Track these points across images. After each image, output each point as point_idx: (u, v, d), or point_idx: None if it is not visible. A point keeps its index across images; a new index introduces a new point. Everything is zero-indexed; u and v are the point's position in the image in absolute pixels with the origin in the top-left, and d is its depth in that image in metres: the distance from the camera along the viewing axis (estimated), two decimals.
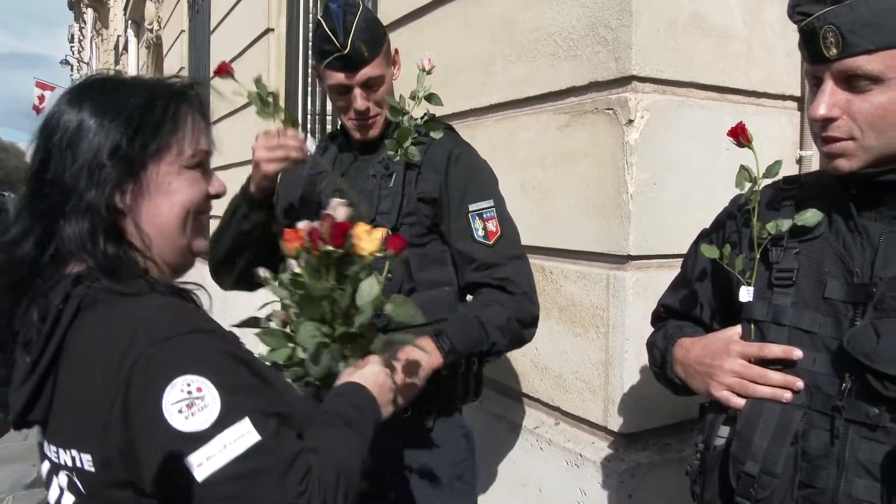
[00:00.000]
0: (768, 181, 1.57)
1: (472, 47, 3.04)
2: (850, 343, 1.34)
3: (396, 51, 2.15)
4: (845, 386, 1.36)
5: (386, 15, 3.61)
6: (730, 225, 1.63)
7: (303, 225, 1.45)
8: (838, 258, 1.43)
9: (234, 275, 2.16)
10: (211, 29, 8.04)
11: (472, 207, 2.07)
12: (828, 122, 1.36)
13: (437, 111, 2.21)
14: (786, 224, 1.47)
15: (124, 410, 1.06)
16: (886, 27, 1.30)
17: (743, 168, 1.51)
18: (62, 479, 1.18)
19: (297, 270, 1.46)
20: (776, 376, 1.42)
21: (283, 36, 5.83)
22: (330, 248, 1.40)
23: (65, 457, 1.15)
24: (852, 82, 1.34)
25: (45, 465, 1.23)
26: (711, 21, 2.46)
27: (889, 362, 1.29)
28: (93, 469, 1.11)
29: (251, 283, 1.89)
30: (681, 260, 1.80)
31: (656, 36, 2.34)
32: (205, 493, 1.04)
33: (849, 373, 1.35)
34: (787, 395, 1.40)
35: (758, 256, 1.49)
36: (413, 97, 2.08)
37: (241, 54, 6.70)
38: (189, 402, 1.05)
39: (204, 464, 1.04)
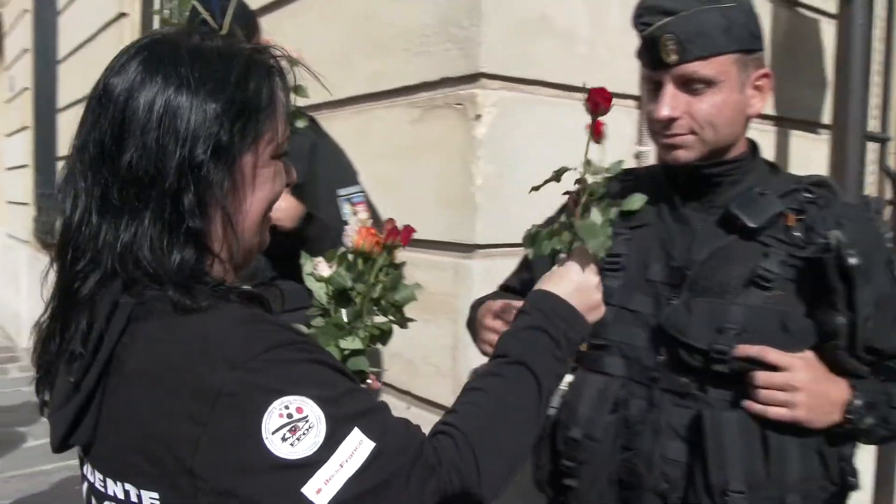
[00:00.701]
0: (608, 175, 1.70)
1: (330, 41, 3.09)
2: (666, 320, 1.50)
3: (267, 42, 2.19)
4: (661, 359, 1.51)
5: None
6: (567, 213, 1.77)
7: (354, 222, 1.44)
8: (662, 244, 1.59)
9: None
10: (58, 10, 7.74)
11: (341, 192, 2.17)
12: (671, 121, 1.51)
13: (301, 102, 2.25)
14: (613, 212, 1.61)
15: (216, 452, 0.91)
16: (714, 38, 1.47)
17: (586, 162, 1.64)
18: None
19: (325, 267, 1.43)
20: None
21: (137, 22, 5.69)
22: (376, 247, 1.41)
23: (115, 489, 1.00)
24: (690, 85, 1.50)
25: (86, 488, 1.09)
26: (558, 23, 2.59)
27: (697, 337, 1.45)
28: None
29: None
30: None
31: (505, 36, 2.46)
32: None
33: (665, 347, 1.50)
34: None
35: (563, 214, 1.61)
36: None
37: (91, 39, 6.48)
38: (291, 426, 0.92)
39: (322, 489, 0.91)
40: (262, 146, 1.07)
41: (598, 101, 1.39)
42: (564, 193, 1.48)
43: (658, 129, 1.56)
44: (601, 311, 1.39)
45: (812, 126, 3.46)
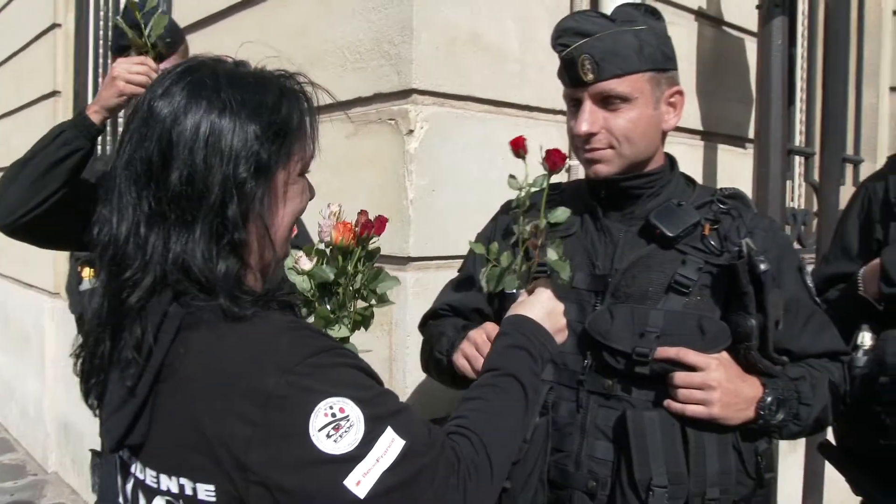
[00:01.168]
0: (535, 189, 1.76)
1: (266, 56, 3.10)
2: (591, 325, 1.57)
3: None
4: (587, 362, 1.58)
5: (180, 18, 3.60)
6: (500, 225, 1.82)
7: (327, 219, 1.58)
8: (586, 253, 1.66)
9: (27, 216, 1.97)
10: None
11: None
12: (590, 136, 1.59)
13: None
14: (542, 222, 1.67)
15: (267, 449, 1.01)
16: (628, 57, 1.55)
17: (511, 176, 1.69)
18: (159, 503, 1.11)
19: (305, 261, 1.53)
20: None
21: (71, 32, 5.62)
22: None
23: (169, 484, 1.08)
24: (607, 102, 1.58)
25: (131, 485, 1.16)
26: (488, 40, 2.65)
27: (620, 340, 1.52)
28: (213, 499, 1.05)
29: (44, 236, 1.88)
30: (457, 260, 1.95)
31: (436, 52, 2.50)
32: None
33: (590, 351, 1.58)
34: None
35: (521, 253, 1.67)
36: None
37: (22, 49, 6.39)
38: (335, 424, 1.03)
39: (361, 482, 1.02)
40: (293, 164, 1.17)
41: (556, 160, 1.53)
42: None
43: (579, 143, 1.64)
44: (566, 334, 1.52)
45: (738, 140, 3.58)
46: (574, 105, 1.65)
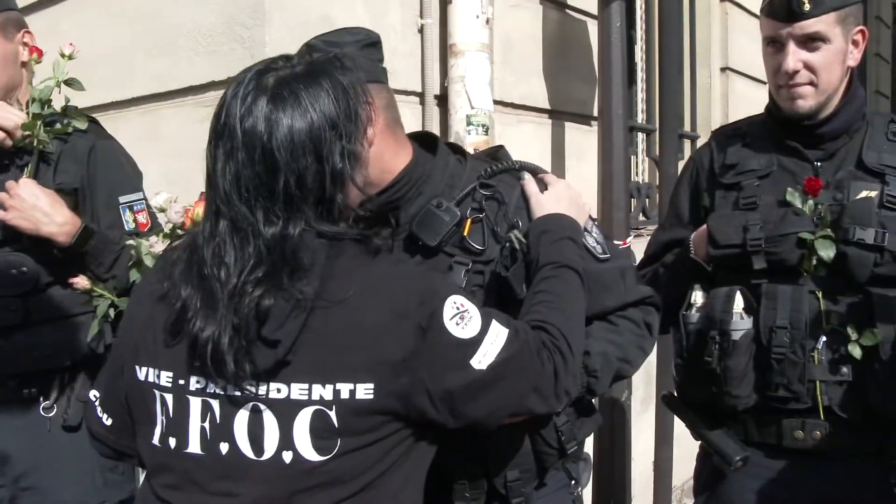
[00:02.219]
0: None
1: (113, 39, 3.05)
2: None
3: (26, 33, 2.15)
4: None
5: None
6: None
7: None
8: None
9: None
10: None
11: (122, 200, 2.15)
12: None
13: (79, 102, 2.24)
14: None
15: (417, 339, 1.25)
16: None
17: None
18: (302, 417, 1.23)
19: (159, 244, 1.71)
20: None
21: None
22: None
23: (322, 392, 1.22)
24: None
25: (248, 416, 1.25)
26: (339, 23, 2.69)
27: None
28: (371, 396, 1.23)
29: None
30: None
31: (289, 35, 2.53)
32: (488, 376, 1.28)
33: None
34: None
35: None
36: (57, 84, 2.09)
37: None
38: (460, 315, 1.29)
39: (482, 360, 1.28)
40: (364, 134, 1.35)
41: None
42: None
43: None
44: (587, 211, 1.72)
45: (584, 118, 3.75)
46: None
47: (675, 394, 2.12)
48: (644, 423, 4.04)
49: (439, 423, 1.29)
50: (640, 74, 4.73)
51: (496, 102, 3.24)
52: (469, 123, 2.87)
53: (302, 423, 1.23)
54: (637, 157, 4.73)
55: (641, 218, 4.41)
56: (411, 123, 2.94)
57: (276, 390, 1.23)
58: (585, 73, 3.67)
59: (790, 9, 1.83)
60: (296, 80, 1.28)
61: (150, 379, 1.32)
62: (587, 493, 3.46)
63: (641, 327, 1.75)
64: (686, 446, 3.10)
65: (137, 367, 1.34)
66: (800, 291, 1.86)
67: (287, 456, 1.23)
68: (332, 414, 1.22)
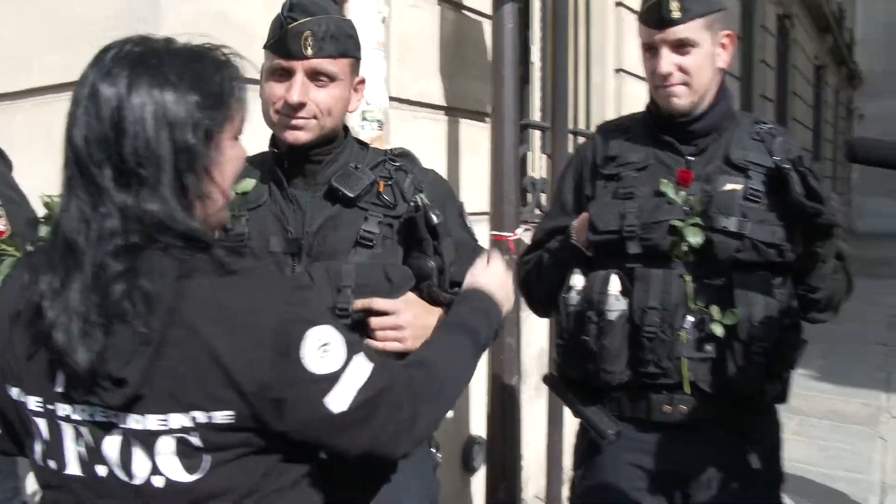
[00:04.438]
0: None
1: (9, 31, 3.03)
2: None
3: None
4: None
5: None
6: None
7: None
8: (277, 220, 1.83)
9: None
10: None
11: None
12: (301, 106, 1.76)
13: None
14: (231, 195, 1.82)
15: (276, 368, 1.20)
16: (342, 41, 1.79)
17: None
18: (164, 444, 1.20)
19: None
20: None
21: None
22: None
23: (182, 420, 1.19)
24: (316, 78, 1.77)
25: (121, 442, 1.22)
26: (236, 19, 2.75)
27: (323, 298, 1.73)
28: (231, 421, 1.20)
29: None
30: None
31: (185, 29, 2.51)
32: (343, 419, 1.25)
33: None
34: None
35: None
36: None
37: None
38: (323, 348, 1.24)
39: (340, 397, 1.24)
40: (230, 127, 1.30)
41: None
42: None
43: (287, 111, 1.78)
44: (512, 302, 1.80)
45: (479, 115, 3.87)
46: (285, 76, 1.79)
47: (556, 374, 2.26)
48: (538, 408, 4.20)
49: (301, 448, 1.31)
50: (539, 74, 4.90)
51: (393, 99, 3.33)
52: (364, 119, 2.94)
53: (166, 449, 1.22)
54: (535, 154, 4.90)
55: (537, 212, 4.57)
56: None
57: (136, 421, 1.21)
58: (481, 72, 3.79)
59: (661, 17, 1.98)
60: (165, 52, 1.27)
61: (22, 401, 1.28)
62: (480, 477, 3.61)
63: None
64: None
65: (8, 388, 1.29)
66: (670, 275, 2.01)
67: (158, 480, 1.22)
68: (195, 438, 1.21)
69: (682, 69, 2.01)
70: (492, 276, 1.73)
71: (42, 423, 1.26)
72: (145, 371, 1.17)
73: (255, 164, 1.89)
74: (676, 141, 2.10)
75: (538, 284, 2.28)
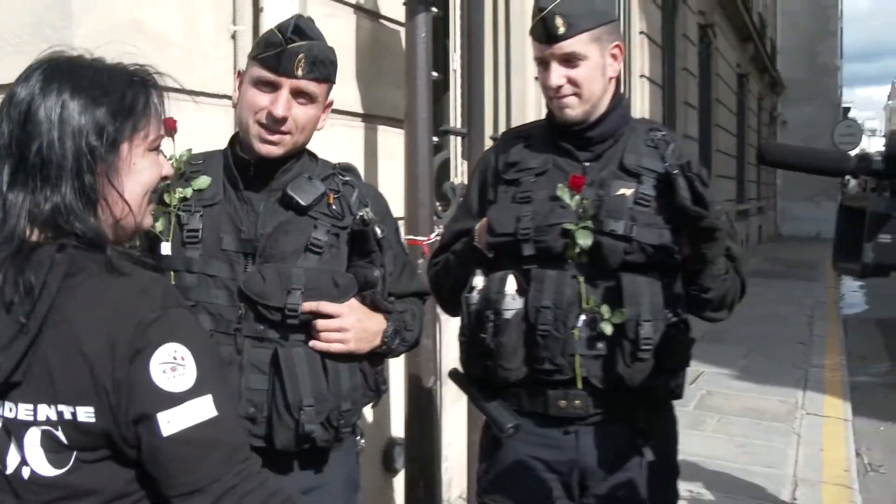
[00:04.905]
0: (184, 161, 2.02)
1: None
2: (246, 286, 1.86)
3: None
4: (241, 313, 1.87)
5: None
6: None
7: None
8: (231, 220, 1.91)
9: None
10: None
11: None
12: (284, 120, 1.89)
13: None
14: (189, 191, 1.90)
15: (127, 368, 1.22)
16: (326, 66, 1.96)
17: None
18: (31, 435, 1.24)
19: None
20: None
21: None
22: None
23: (47, 412, 1.23)
24: (298, 97, 1.90)
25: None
26: (151, 28, 2.78)
27: (273, 298, 1.85)
28: (92, 420, 1.23)
29: None
30: None
31: (99, 38, 2.58)
32: (166, 447, 1.22)
33: (244, 304, 1.87)
34: None
35: (174, 220, 1.91)
36: None
37: None
38: (173, 366, 1.24)
39: (171, 422, 1.22)
40: (139, 139, 1.36)
41: (169, 126, 1.75)
42: None
43: (269, 123, 1.90)
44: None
45: (396, 122, 3.93)
46: (270, 90, 1.92)
47: (460, 370, 2.34)
48: (460, 409, 4.26)
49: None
50: (460, 81, 4.98)
51: None
52: None
53: (32, 441, 1.25)
54: (457, 159, 4.98)
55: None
56: (223, 127, 3.05)
57: (9, 409, 1.25)
58: (397, 79, 3.85)
59: (547, 33, 2.07)
60: (84, 66, 1.37)
61: None
62: (401, 477, 3.67)
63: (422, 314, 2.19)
64: None
65: None
66: (564, 276, 2.09)
67: (25, 471, 1.26)
68: (60, 433, 1.24)
69: (571, 81, 2.10)
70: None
71: None
72: (20, 360, 1.22)
73: (213, 162, 2.00)
74: (574, 147, 2.19)
75: (445, 285, 2.37)
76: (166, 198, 1.90)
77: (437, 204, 4.49)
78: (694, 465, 5.22)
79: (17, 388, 1.24)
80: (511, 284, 2.11)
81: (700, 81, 13.01)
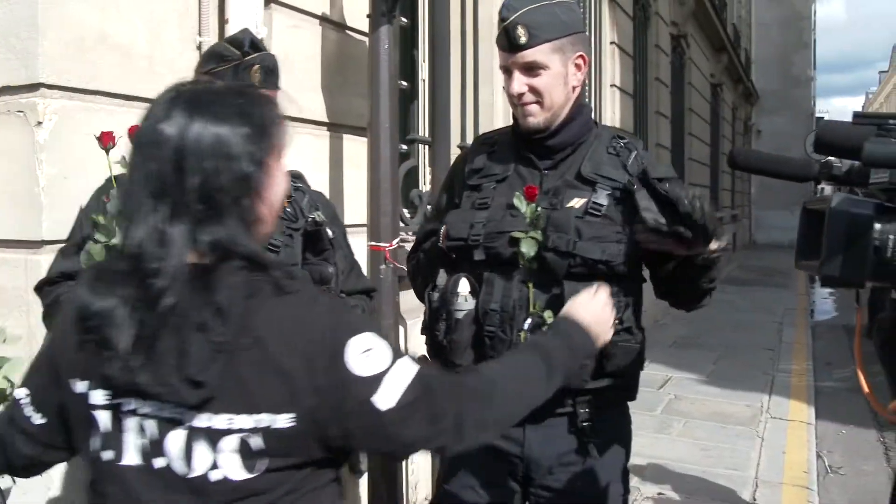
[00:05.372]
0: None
1: None
2: None
3: None
4: None
5: None
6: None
7: None
8: None
9: None
10: None
11: None
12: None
13: None
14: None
15: (328, 373, 1.33)
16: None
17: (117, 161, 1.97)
18: (227, 442, 1.33)
19: None
20: None
21: None
22: None
23: (245, 421, 1.32)
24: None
25: (185, 436, 1.34)
26: (116, 39, 2.85)
27: None
28: (293, 425, 1.33)
29: None
30: None
31: (64, 49, 2.67)
32: (391, 417, 1.35)
33: None
34: None
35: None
36: None
37: None
38: (366, 353, 1.36)
39: (386, 396, 1.35)
40: (277, 154, 1.42)
41: (107, 140, 1.97)
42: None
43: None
44: (608, 337, 1.91)
45: (361, 130, 4.01)
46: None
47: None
48: None
49: (352, 451, 1.46)
50: (428, 91, 5.07)
51: None
52: None
53: (228, 447, 1.33)
54: (425, 168, 5.07)
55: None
56: None
57: (206, 419, 1.33)
58: (362, 89, 3.93)
59: (511, 42, 2.14)
60: (214, 93, 1.41)
61: (85, 394, 1.39)
62: (364, 480, 3.73)
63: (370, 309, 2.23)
64: None
65: (72, 382, 1.40)
66: (512, 281, 2.17)
67: (215, 475, 1.34)
68: (257, 440, 1.33)
69: (533, 90, 2.16)
70: (591, 309, 1.86)
71: (104, 416, 1.38)
72: (220, 375, 1.31)
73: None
74: (535, 156, 2.26)
75: (418, 280, 2.46)
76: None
77: (406, 211, 4.58)
78: (660, 468, 5.33)
79: (212, 401, 1.32)
80: (464, 286, 2.19)
81: (673, 91, 13.15)
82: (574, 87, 2.23)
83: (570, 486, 2.22)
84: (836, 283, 1.50)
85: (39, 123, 2.59)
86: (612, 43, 9.00)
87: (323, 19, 3.82)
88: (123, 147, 1.94)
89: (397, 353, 1.41)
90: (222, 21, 3.24)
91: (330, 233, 2.05)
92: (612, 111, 9.01)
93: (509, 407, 1.59)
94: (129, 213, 1.35)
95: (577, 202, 2.16)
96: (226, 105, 1.38)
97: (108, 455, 1.38)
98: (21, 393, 1.53)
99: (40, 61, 2.60)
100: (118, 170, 2.00)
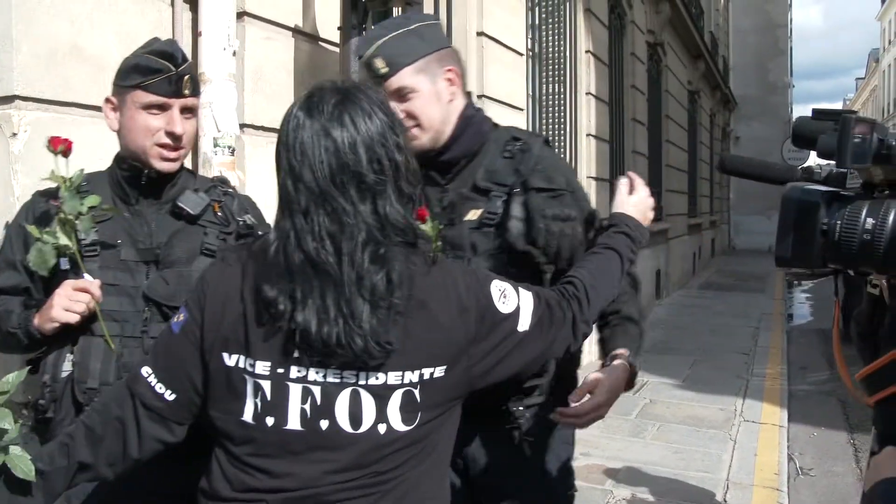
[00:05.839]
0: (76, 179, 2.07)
1: None
2: (150, 290, 2.01)
3: None
4: (146, 317, 2.02)
5: None
6: (37, 210, 2.11)
7: None
8: (126, 232, 2.08)
9: None
10: None
11: None
12: (181, 137, 2.13)
13: None
14: (84, 208, 2.00)
15: (481, 321, 1.61)
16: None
17: (52, 171, 2.02)
18: (395, 397, 1.53)
19: None
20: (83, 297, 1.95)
21: None
22: None
23: (412, 377, 1.53)
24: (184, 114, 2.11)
25: (346, 398, 1.51)
26: (90, 52, 2.91)
27: (178, 299, 1.95)
28: (443, 375, 1.56)
29: None
30: None
31: (38, 62, 2.72)
32: (529, 335, 1.68)
33: (146, 307, 2.01)
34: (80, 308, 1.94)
35: (74, 235, 1.99)
36: None
37: None
38: (503, 296, 1.66)
39: (524, 321, 1.68)
40: (405, 138, 1.61)
41: (57, 144, 2.00)
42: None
43: (171, 141, 2.08)
44: (651, 218, 2.16)
45: None
46: (159, 111, 2.08)
47: None
48: None
49: (486, 382, 1.67)
50: None
51: (247, 126, 3.53)
52: (216, 145, 3.14)
53: (394, 402, 1.53)
54: None
55: None
56: None
57: (376, 378, 1.52)
58: None
59: (374, 74, 2.11)
60: (356, 91, 1.57)
61: (242, 366, 1.53)
62: None
63: None
64: None
65: (226, 355, 1.55)
66: None
67: (381, 428, 1.52)
68: (417, 392, 1.54)
69: (409, 114, 2.12)
70: (633, 201, 2.13)
71: (266, 385, 1.52)
72: (398, 337, 1.51)
73: (98, 181, 2.14)
74: (436, 172, 2.24)
75: None
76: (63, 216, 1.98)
77: None
78: (634, 471, 5.41)
79: (391, 359, 1.51)
80: None
81: (650, 98, 13.26)
82: (450, 101, 2.18)
83: (511, 482, 2.25)
84: (788, 263, 1.66)
85: (14, 135, 2.64)
86: (587, 52, 9.09)
87: (295, 31, 3.88)
88: (81, 154, 2.04)
89: (516, 287, 1.71)
90: (195, 34, 3.30)
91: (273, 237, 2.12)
92: (587, 119, 9.10)
93: (601, 301, 1.92)
94: (297, 210, 1.51)
95: (473, 214, 2.16)
96: (368, 101, 1.55)
97: (269, 421, 1.52)
98: (146, 371, 1.64)
99: (15, 74, 2.65)
100: (49, 184, 2.04)
